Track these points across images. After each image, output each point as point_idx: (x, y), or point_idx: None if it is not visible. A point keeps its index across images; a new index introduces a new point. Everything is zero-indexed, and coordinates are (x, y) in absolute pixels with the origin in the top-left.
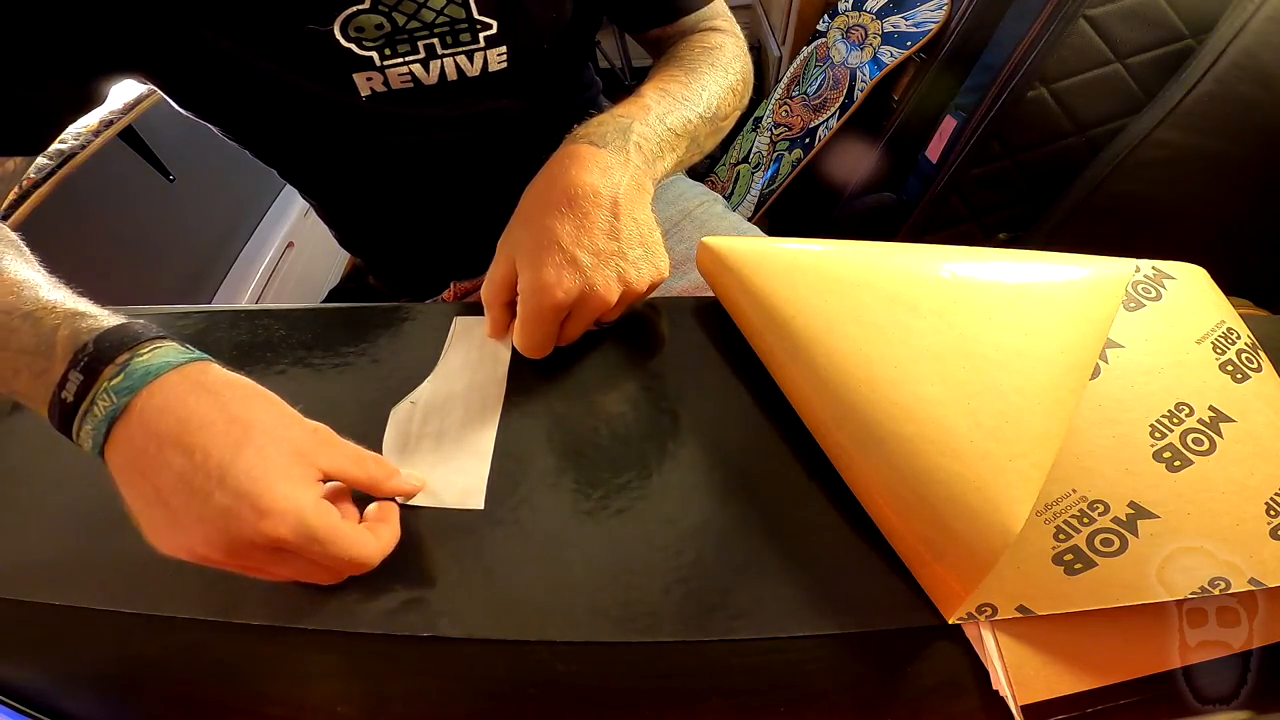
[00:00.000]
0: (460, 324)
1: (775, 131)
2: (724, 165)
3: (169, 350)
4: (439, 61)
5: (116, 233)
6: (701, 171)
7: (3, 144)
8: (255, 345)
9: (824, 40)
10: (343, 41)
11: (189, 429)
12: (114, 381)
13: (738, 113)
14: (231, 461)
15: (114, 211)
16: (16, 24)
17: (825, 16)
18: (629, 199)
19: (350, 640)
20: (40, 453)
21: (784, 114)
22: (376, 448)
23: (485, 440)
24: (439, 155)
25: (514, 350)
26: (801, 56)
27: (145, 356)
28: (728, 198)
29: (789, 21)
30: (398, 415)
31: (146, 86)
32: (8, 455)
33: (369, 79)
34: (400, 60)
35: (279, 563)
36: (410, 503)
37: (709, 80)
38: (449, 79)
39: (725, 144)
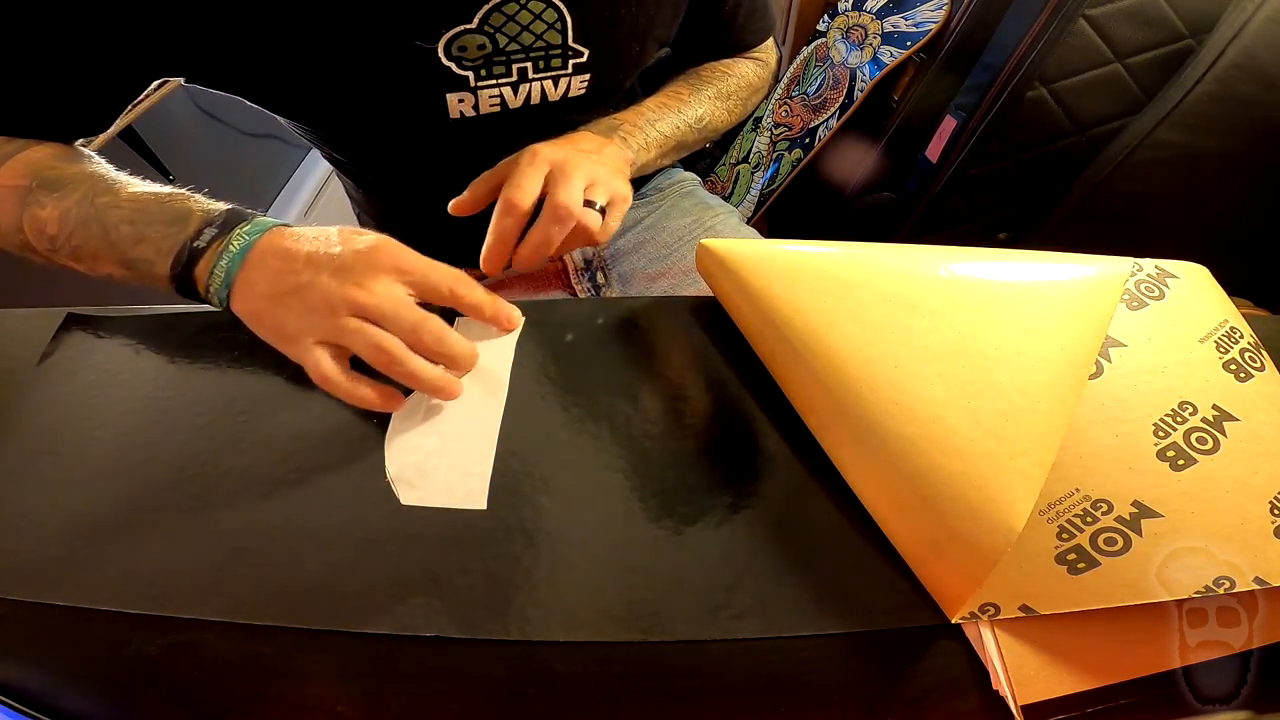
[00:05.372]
0: (462, 323)
1: (775, 131)
2: (724, 165)
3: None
4: (528, 85)
5: None
6: (702, 172)
7: (84, 128)
8: (257, 345)
9: (824, 40)
10: (444, 60)
11: (306, 244)
12: (244, 228)
13: (728, 126)
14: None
15: None
16: (116, 32)
17: (825, 16)
18: (610, 149)
19: (350, 640)
20: (41, 453)
21: (784, 114)
22: (378, 447)
23: (488, 440)
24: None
25: (517, 349)
26: (801, 56)
27: (267, 219)
28: (727, 198)
29: (789, 21)
30: (400, 414)
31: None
32: (8, 455)
33: (461, 100)
34: (494, 82)
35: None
36: (411, 503)
37: (706, 97)
38: (532, 103)
39: (725, 144)
